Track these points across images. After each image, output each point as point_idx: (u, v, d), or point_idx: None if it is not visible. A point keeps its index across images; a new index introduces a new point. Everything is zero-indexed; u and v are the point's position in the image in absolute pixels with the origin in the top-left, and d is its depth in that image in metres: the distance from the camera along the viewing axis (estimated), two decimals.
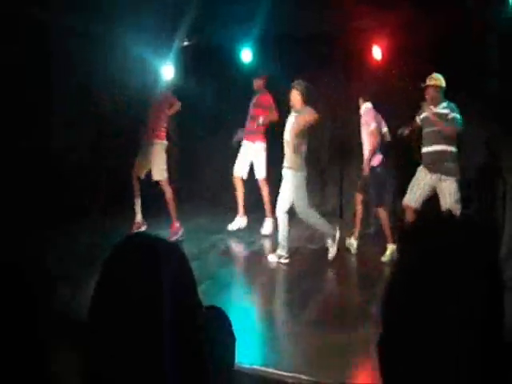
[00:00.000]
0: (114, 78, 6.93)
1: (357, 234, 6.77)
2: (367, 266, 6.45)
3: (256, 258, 6.72)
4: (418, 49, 6.71)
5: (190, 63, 8.30)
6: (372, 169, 6.46)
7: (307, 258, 6.73)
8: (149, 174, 7.24)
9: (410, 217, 6.04)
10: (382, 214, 6.51)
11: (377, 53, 7.17)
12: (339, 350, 4.29)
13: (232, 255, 7.09)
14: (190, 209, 8.39)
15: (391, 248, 6.27)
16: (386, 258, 6.30)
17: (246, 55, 8.04)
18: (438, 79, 6.00)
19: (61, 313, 4.00)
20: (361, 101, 6.64)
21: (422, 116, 6.13)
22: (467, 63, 6.53)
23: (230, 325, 1.47)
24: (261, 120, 7.30)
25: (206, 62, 8.16)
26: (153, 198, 7.34)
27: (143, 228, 7.28)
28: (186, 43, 8.15)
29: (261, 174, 7.53)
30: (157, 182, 7.24)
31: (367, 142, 6.50)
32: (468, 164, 6.72)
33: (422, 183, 6.04)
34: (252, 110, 7.54)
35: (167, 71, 8.09)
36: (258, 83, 7.54)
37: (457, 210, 5.76)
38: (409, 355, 0.92)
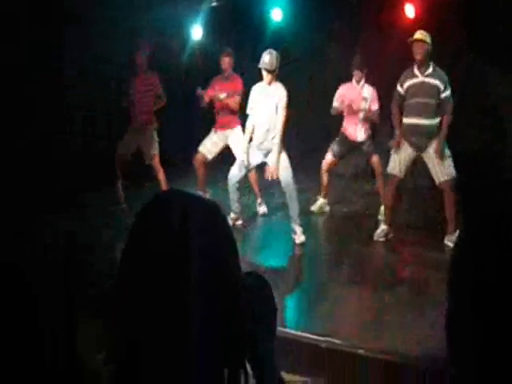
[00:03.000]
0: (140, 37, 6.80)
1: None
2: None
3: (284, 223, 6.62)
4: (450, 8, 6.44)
5: (219, 24, 8.14)
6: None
7: (336, 220, 6.76)
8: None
9: (392, 185, 5.76)
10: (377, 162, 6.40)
11: (409, 11, 6.88)
12: (373, 312, 4.29)
13: (257, 219, 7.02)
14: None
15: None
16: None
17: (277, 14, 7.87)
18: (426, 35, 5.45)
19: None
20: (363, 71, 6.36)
21: (407, 84, 5.57)
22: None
23: (271, 293, 1.37)
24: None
25: (233, 23, 8.01)
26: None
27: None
28: (214, 3, 8.01)
29: None
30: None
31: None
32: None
33: (402, 155, 5.65)
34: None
35: (196, 32, 7.98)
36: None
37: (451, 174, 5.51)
38: (477, 330, 0.88)
